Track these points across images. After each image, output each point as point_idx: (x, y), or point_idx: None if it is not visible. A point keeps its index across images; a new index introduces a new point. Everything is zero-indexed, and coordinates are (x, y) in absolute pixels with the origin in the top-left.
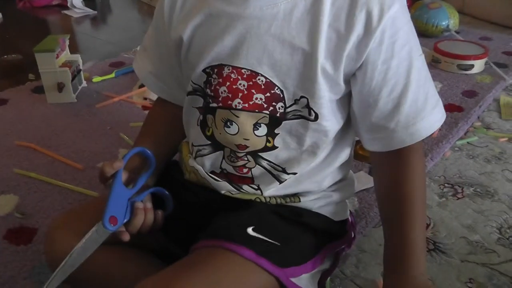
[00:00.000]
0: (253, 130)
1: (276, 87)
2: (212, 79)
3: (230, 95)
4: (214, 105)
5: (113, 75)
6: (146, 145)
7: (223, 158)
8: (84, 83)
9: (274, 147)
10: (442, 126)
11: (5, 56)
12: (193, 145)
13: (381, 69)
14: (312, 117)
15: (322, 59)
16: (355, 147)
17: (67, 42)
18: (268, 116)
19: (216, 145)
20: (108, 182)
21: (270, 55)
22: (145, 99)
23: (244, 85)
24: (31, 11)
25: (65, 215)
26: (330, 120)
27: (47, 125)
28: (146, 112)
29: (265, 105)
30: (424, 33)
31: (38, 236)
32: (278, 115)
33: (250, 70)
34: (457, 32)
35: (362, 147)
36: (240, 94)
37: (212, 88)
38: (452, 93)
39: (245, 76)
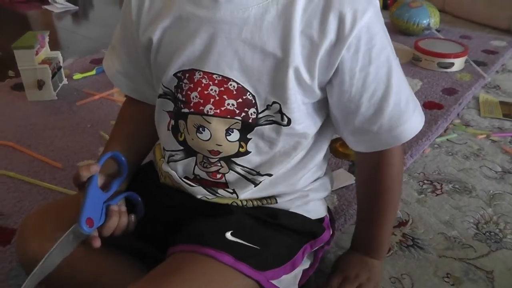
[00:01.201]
0: (226, 135)
1: (248, 93)
2: (183, 84)
3: (201, 101)
4: (186, 110)
5: (93, 72)
6: (118, 148)
7: (196, 164)
8: (65, 80)
9: (247, 152)
10: None
11: None
12: (165, 150)
13: (360, 76)
14: (285, 122)
15: (295, 66)
16: (335, 145)
17: (47, 39)
18: (240, 122)
19: (189, 151)
20: (84, 185)
21: (241, 61)
22: (126, 96)
23: (215, 91)
24: (11, 5)
25: (36, 215)
26: (304, 123)
27: (27, 123)
28: None
29: (237, 111)
30: (405, 31)
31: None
32: (250, 120)
33: (222, 76)
34: (438, 31)
35: (342, 145)
36: (212, 100)
37: (184, 93)
38: (432, 90)
39: (216, 81)
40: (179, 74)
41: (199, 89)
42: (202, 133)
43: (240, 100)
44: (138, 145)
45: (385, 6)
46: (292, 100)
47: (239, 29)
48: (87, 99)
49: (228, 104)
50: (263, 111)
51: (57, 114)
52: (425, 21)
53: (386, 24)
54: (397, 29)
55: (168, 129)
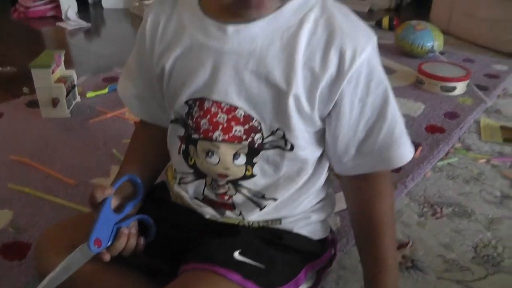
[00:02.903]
0: (233, 160)
1: (254, 120)
2: (194, 111)
3: (211, 128)
4: (196, 136)
5: (106, 90)
6: (133, 170)
7: (205, 185)
8: (78, 98)
9: (252, 175)
10: (424, 147)
11: (0, 69)
12: (176, 171)
13: (358, 106)
14: (288, 147)
15: (297, 96)
16: None
17: (63, 58)
18: (247, 146)
19: (198, 173)
20: (98, 206)
21: (248, 90)
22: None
23: (224, 118)
24: (26, 21)
25: (54, 229)
26: (306, 149)
27: (41, 140)
28: None
29: (244, 137)
30: (409, 53)
31: (32, 251)
32: (256, 145)
33: (230, 104)
34: (442, 53)
35: None
36: (220, 127)
37: (194, 120)
38: (434, 114)
39: (224, 109)
40: (190, 102)
41: (209, 116)
42: (211, 157)
43: (247, 126)
44: (151, 167)
45: (391, 28)
46: (295, 128)
47: (246, 59)
48: (100, 117)
49: (236, 131)
50: (268, 136)
51: (71, 131)
52: (429, 44)
53: (391, 45)
54: (402, 50)
55: (179, 153)
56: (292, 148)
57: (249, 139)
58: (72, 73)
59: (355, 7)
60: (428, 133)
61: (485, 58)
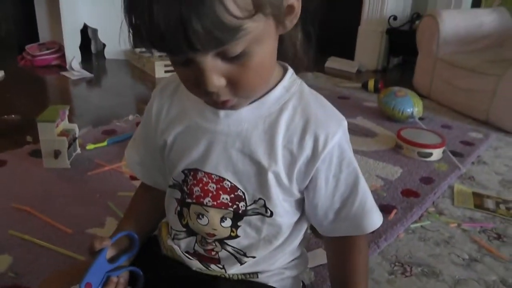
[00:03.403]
0: (220, 222)
1: (239, 190)
2: (189, 180)
3: (202, 194)
4: (189, 200)
5: (105, 143)
6: (132, 226)
7: (196, 242)
8: (78, 150)
9: (237, 236)
10: (398, 210)
11: (5, 116)
12: (172, 228)
13: (333, 181)
14: (268, 214)
15: (277, 173)
16: None
17: (67, 113)
18: (232, 212)
19: (190, 232)
20: (95, 254)
21: (234, 165)
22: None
23: (213, 187)
24: (32, 69)
25: (51, 277)
26: (284, 216)
27: (42, 189)
28: (134, 182)
29: (230, 204)
30: (391, 117)
31: None
32: (240, 212)
33: (219, 176)
34: (422, 119)
35: None
36: (210, 194)
37: (188, 187)
38: (411, 178)
39: (214, 180)
40: (185, 171)
41: (201, 185)
42: (201, 219)
43: (232, 195)
44: (148, 224)
45: (376, 90)
46: (274, 198)
47: (233, 139)
48: (98, 169)
49: (223, 198)
50: (250, 204)
51: (70, 182)
52: (409, 110)
53: (375, 108)
54: (385, 114)
55: (175, 213)
56: (271, 214)
57: (234, 206)
58: (75, 127)
59: (344, 67)
60: (404, 197)
61: (462, 125)
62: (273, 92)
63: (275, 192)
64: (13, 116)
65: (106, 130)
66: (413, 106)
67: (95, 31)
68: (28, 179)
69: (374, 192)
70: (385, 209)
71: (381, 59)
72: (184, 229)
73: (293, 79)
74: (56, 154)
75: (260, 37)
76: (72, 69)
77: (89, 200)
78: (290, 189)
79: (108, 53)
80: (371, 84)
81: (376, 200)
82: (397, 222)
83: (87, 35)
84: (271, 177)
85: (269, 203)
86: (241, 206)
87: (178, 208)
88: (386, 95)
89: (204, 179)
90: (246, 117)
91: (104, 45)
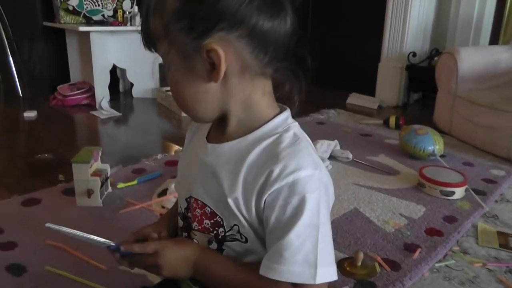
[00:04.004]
0: (208, 245)
1: (218, 216)
2: (189, 205)
3: (192, 219)
4: (188, 225)
5: (135, 182)
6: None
7: None
8: (110, 189)
9: None
10: (422, 249)
11: (39, 155)
12: None
13: (274, 221)
14: (243, 240)
15: (237, 201)
16: (343, 263)
17: (100, 154)
18: (214, 237)
19: None
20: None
21: (213, 194)
22: (163, 207)
23: (199, 212)
24: (63, 109)
25: None
26: (258, 242)
27: (75, 226)
28: None
29: (211, 229)
30: (412, 155)
31: None
32: (220, 237)
33: (202, 202)
34: (443, 156)
35: (350, 264)
36: (197, 219)
37: (188, 214)
38: (434, 217)
39: (199, 206)
40: (187, 199)
41: (191, 210)
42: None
43: (212, 221)
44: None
45: (397, 127)
46: (244, 225)
47: (213, 170)
48: (129, 208)
49: (206, 223)
50: (228, 230)
51: (102, 220)
52: (430, 148)
53: (397, 145)
54: (406, 152)
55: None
56: (246, 241)
57: (215, 232)
58: (107, 166)
59: (365, 103)
60: (428, 236)
61: (483, 162)
62: (256, 132)
63: (242, 219)
64: (46, 155)
65: (136, 169)
66: (434, 144)
67: (123, 71)
68: (61, 217)
69: (398, 231)
70: (409, 248)
71: (402, 95)
72: None
73: (284, 121)
74: (89, 193)
75: (170, 62)
76: (102, 108)
77: (121, 237)
78: (250, 219)
79: (136, 92)
80: (392, 121)
81: (400, 239)
82: (421, 261)
83: (115, 74)
84: (231, 203)
85: (243, 229)
86: (220, 232)
87: (185, 234)
88: (407, 133)
89: (194, 204)
90: (226, 151)
91: (132, 84)
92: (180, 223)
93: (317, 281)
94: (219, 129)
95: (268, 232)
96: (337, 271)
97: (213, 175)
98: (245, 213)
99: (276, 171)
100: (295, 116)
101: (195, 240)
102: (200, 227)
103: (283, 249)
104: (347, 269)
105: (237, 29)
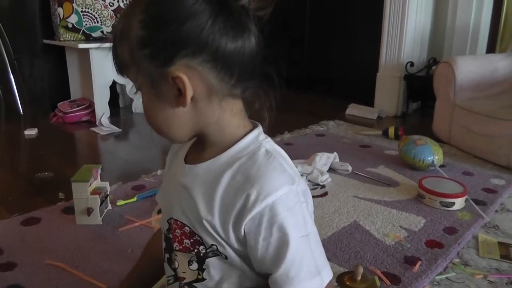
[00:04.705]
0: (188, 265)
1: (197, 235)
2: (170, 226)
3: (172, 239)
4: (166, 246)
5: (135, 199)
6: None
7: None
8: (109, 206)
9: (203, 279)
10: (423, 261)
11: (39, 174)
12: (166, 276)
13: (263, 244)
14: (224, 257)
15: (212, 224)
16: (343, 278)
17: (99, 172)
18: (195, 255)
19: (176, 277)
20: None
21: (190, 214)
22: None
23: (178, 232)
24: (63, 126)
25: None
26: (239, 259)
27: (75, 245)
28: None
29: (192, 248)
30: (412, 166)
31: None
32: (201, 255)
33: (181, 222)
34: (442, 166)
35: (350, 279)
36: (177, 239)
37: (170, 235)
38: (434, 229)
39: (179, 226)
40: (169, 220)
41: (172, 231)
42: (174, 263)
43: (192, 240)
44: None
45: (396, 137)
46: (223, 245)
47: (190, 190)
48: (129, 225)
49: (186, 242)
50: (208, 248)
51: (102, 238)
52: (429, 158)
53: (396, 156)
54: (405, 163)
55: (165, 261)
56: (227, 258)
57: (196, 250)
58: (106, 184)
59: (364, 114)
60: (428, 248)
61: (483, 172)
62: (228, 151)
63: (222, 242)
64: (46, 173)
65: (136, 186)
66: (433, 155)
67: (123, 86)
68: (61, 236)
69: (398, 244)
70: (409, 261)
71: (400, 105)
72: (173, 273)
73: (254, 138)
74: (89, 211)
75: (140, 88)
76: (102, 124)
77: (121, 256)
78: (227, 241)
79: (136, 107)
80: (391, 131)
81: (400, 252)
82: (422, 274)
83: (115, 90)
84: (206, 224)
85: (221, 248)
86: (201, 249)
87: (167, 255)
88: (406, 144)
89: (174, 225)
90: (200, 173)
91: (131, 100)
92: (163, 244)
93: (324, 284)
94: (197, 150)
95: (258, 254)
96: (337, 286)
97: (190, 196)
98: (222, 235)
99: (254, 194)
100: (294, 128)
101: (176, 262)
102: (181, 247)
103: (287, 269)
104: (347, 283)
105: (200, 54)
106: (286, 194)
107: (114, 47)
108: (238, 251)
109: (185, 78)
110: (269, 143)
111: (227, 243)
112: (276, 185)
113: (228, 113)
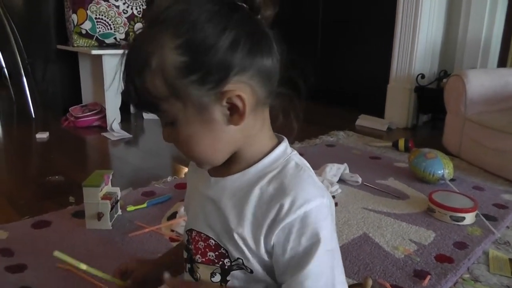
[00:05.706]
0: (211, 277)
1: (222, 248)
2: (190, 238)
3: (194, 251)
4: (190, 257)
5: (145, 205)
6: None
7: None
8: (120, 212)
9: None
10: (432, 276)
11: (49, 177)
12: None
13: (290, 253)
14: (249, 271)
15: (243, 236)
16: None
17: (111, 177)
18: (219, 267)
19: None
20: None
21: (216, 227)
22: (172, 231)
23: (202, 245)
24: (74, 130)
25: None
26: (264, 273)
27: (85, 250)
28: (173, 243)
29: (216, 260)
30: (422, 179)
31: None
32: (226, 267)
33: (205, 235)
34: (452, 180)
35: (356, 285)
36: (200, 251)
37: (188, 244)
38: (444, 243)
39: (202, 238)
40: (187, 232)
41: (194, 243)
42: (195, 275)
43: (217, 253)
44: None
45: (406, 149)
46: (250, 259)
47: (216, 204)
48: (138, 231)
49: (210, 255)
50: (234, 261)
51: (112, 243)
52: (439, 172)
53: (406, 169)
54: (415, 176)
55: (186, 271)
56: (252, 271)
57: (220, 262)
58: (117, 190)
59: (375, 125)
60: (437, 262)
61: (494, 187)
62: (258, 164)
63: (247, 253)
64: (56, 177)
65: (146, 192)
66: (443, 168)
67: None
68: (71, 240)
69: (408, 257)
70: (418, 275)
71: (411, 117)
72: None
73: (283, 151)
74: (99, 216)
75: (181, 118)
76: (113, 130)
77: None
78: (257, 253)
79: (146, 113)
80: (401, 143)
81: (409, 265)
82: None
83: None
84: (237, 237)
85: (247, 262)
86: (226, 262)
87: (188, 266)
88: (416, 157)
89: (196, 237)
90: (228, 186)
91: None
92: (185, 254)
93: None
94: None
95: (282, 263)
96: None
97: (217, 209)
98: (252, 247)
99: (287, 204)
100: (304, 138)
101: (197, 273)
102: (204, 259)
103: (304, 279)
104: None
105: (248, 69)
106: (318, 206)
107: (133, 85)
108: (265, 263)
109: (243, 95)
110: (297, 156)
111: (255, 255)
112: (309, 197)
113: (259, 124)
